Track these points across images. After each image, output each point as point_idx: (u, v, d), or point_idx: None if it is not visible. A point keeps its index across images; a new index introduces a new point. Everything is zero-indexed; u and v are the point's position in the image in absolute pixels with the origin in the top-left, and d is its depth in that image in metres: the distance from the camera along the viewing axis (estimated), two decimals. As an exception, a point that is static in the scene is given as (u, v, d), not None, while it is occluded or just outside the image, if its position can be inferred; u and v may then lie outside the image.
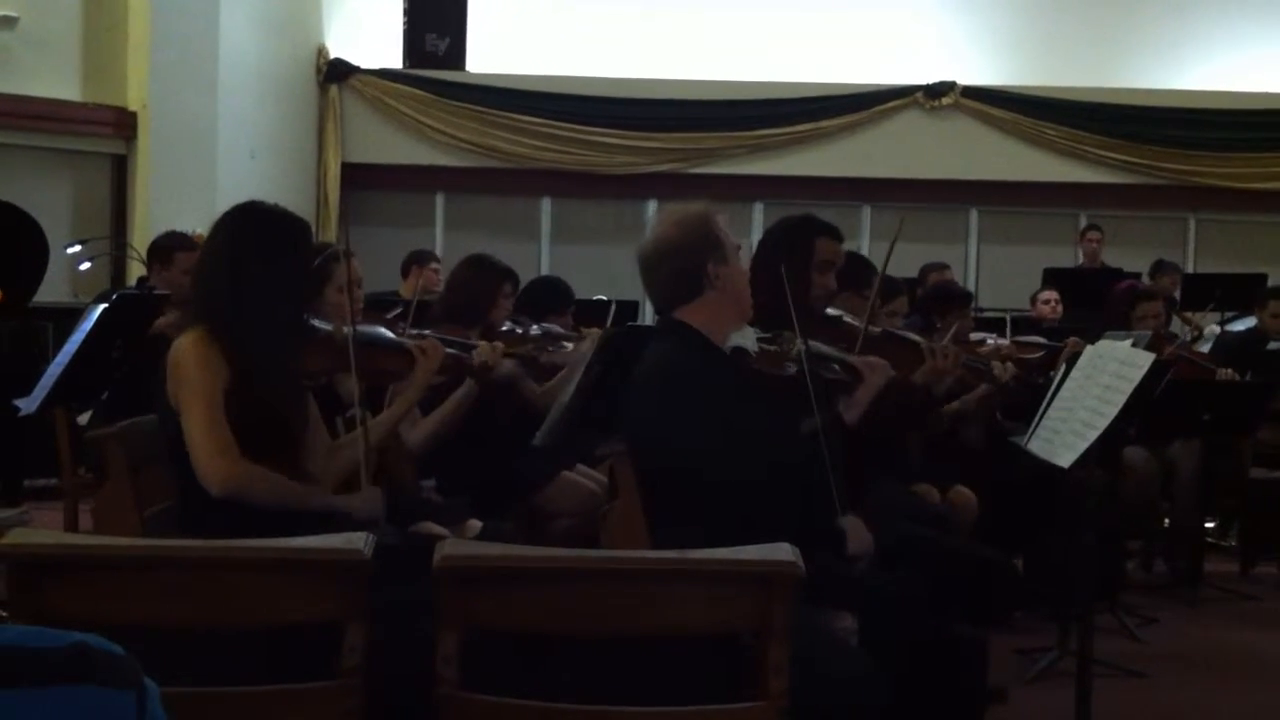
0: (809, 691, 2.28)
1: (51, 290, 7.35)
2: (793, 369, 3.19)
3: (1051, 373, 4.49)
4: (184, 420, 2.93)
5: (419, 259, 7.88)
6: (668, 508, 2.93)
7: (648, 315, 9.39)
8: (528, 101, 10.76)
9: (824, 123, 10.98)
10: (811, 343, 3.26)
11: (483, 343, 4.07)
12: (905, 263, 9.06)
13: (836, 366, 3.37)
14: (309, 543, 2.34)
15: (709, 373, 2.99)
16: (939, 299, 5.59)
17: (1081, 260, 10.11)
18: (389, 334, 3.67)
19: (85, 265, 7.46)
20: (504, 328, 4.80)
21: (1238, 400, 5.67)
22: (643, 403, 3.05)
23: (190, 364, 2.94)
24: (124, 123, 8.95)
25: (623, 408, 3.14)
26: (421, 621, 2.30)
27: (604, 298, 7.93)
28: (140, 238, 8.10)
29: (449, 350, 3.69)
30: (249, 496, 2.92)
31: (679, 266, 3.02)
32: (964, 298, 5.72)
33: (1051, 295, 8.29)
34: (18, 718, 1.23)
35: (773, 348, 3.22)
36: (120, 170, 9.09)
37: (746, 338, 3.14)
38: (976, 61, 11.17)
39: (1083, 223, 10.54)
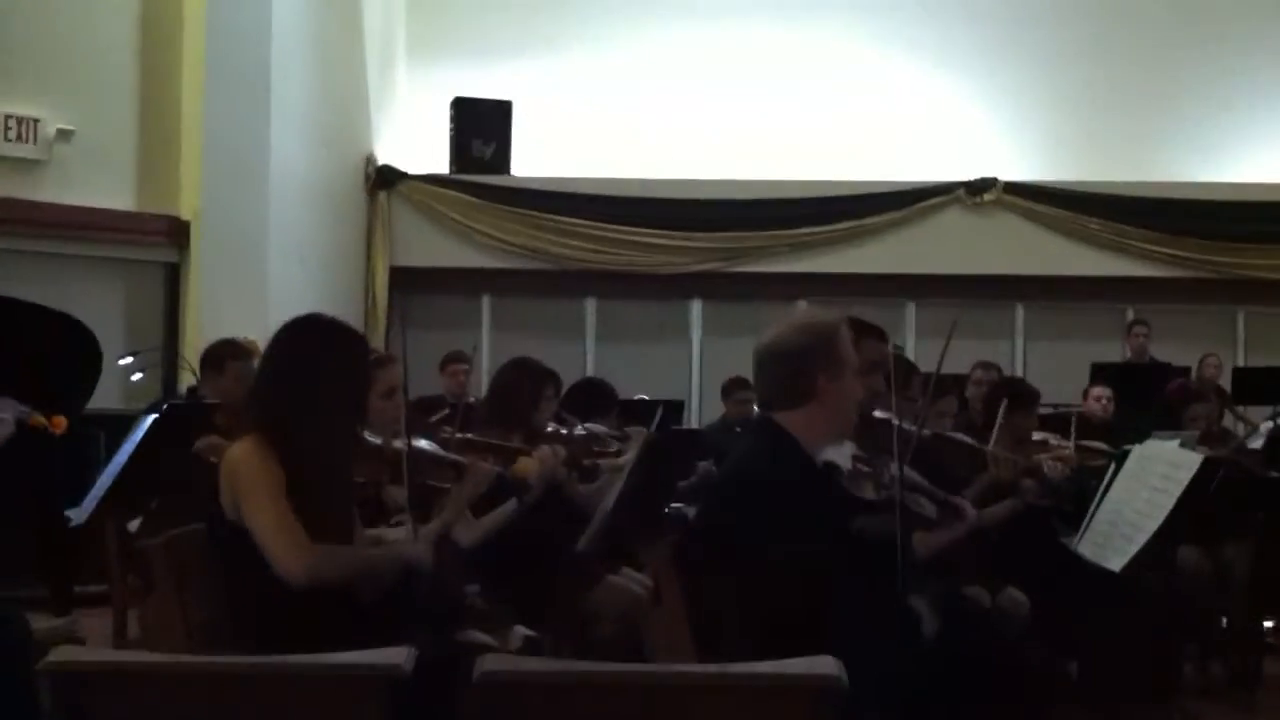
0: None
1: (103, 398, 7.44)
2: (883, 494, 3.14)
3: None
4: (252, 521, 2.96)
5: (445, 360, 7.99)
6: (721, 616, 2.89)
7: (694, 415, 9.42)
8: (571, 203, 10.90)
9: (866, 220, 11.03)
10: (908, 471, 3.22)
11: (526, 459, 4.09)
12: (951, 359, 9.05)
13: (924, 500, 3.31)
14: (350, 658, 2.34)
15: (796, 483, 2.94)
16: (1008, 396, 5.41)
17: (1129, 355, 10.04)
18: (436, 448, 3.70)
19: (138, 376, 7.56)
20: (549, 429, 4.82)
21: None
22: (717, 498, 3.02)
23: (251, 467, 2.98)
24: (177, 231, 9.12)
25: (698, 498, 3.12)
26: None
27: (646, 397, 7.96)
28: (192, 343, 8.21)
29: (496, 469, 3.72)
30: (328, 578, 2.96)
31: (792, 371, 3.00)
32: (1030, 397, 5.54)
33: (1104, 392, 8.19)
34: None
35: (867, 469, 3.18)
36: (173, 278, 9.25)
37: (843, 455, 3.11)
38: (1018, 157, 11.23)
39: (1129, 317, 10.48)
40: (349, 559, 3.04)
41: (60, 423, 5.37)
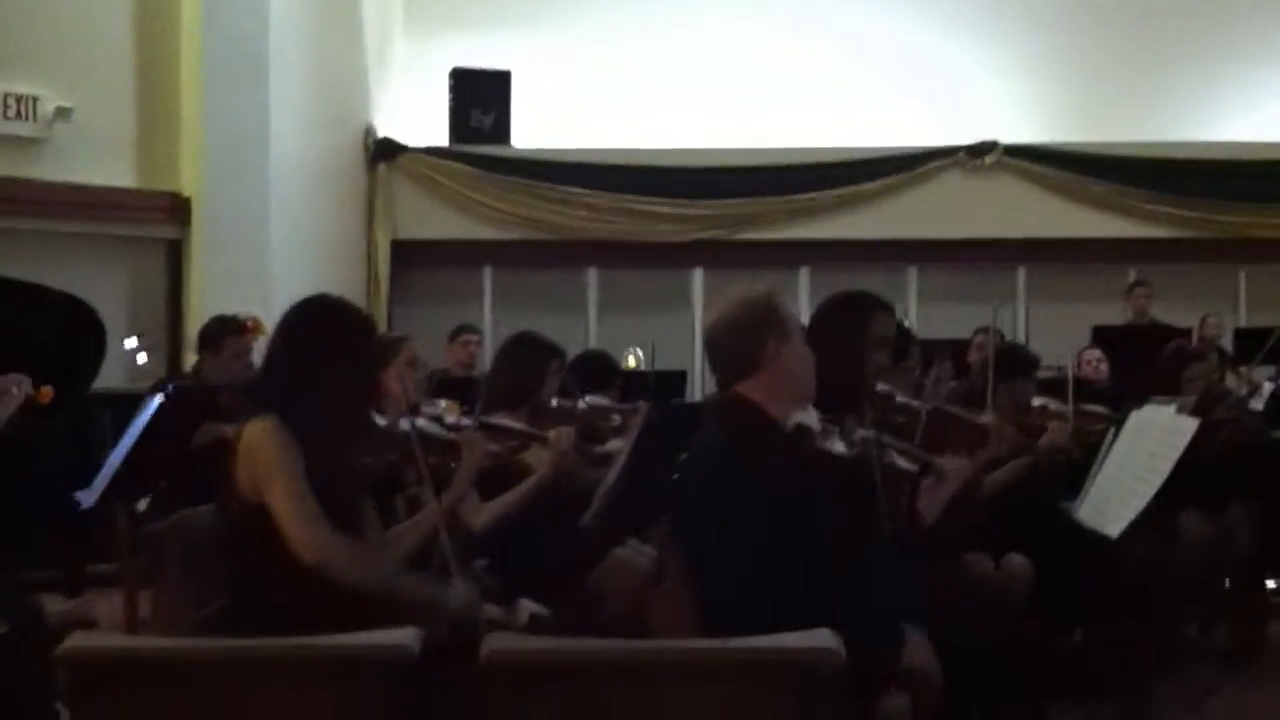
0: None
1: (107, 377, 7.48)
2: (855, 450, 3.18)
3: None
4: (271, 498, 2.99)
5: (456, 331, 8.02)
6: (719, 594, 2.92)
7: (697, 385, 9.44)
8: (572, 174, 10.88)
9: (867, 186, 11.02)
10: (877, 434, 3.25)
11: (538, 449, 4.12)
12: (954, 324, 9.07)
13: (899, 457, 3.34)
14: (359, 639, 2.38)
15: (769, 453, 2.98)
16: (1006, 362, 5.40)
17: (1130, 317, 10.05)
18: (438, 429, 3.73)
19: (143, 359, 7.58)
20: (552, 404, 4.85)
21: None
22: (696, 484, 3.05)
23: (269, 446, 3.01)
24: (178, 208, 9.14)
25: (673, 489, 3.16)
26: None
27: (636, 365, 7.94)
28: (195, 320, 8.23)
29: (491, 448, 3.74)
30: (339, 570, 2.98)
31: (741, 342, 3.05)
32: (1028, 364, 5.55)
33: (1094, 354, 8.22)
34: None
35: (835, 428, 3.23)
36: (175, 255, 9.27)
37: (810, 418, 3.15)
38: (1019, 119, 11.19)
39: (1131, 278, 10.48)
40: (372, 566, 3.05)
41: (46, 393, 5.40)
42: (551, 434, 4.10)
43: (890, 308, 3.91)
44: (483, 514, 4.21)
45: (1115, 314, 10.21)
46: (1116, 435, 4.13)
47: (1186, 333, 8.57)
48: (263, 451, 3.01)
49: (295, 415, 3.05)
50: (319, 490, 3.03)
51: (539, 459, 4.22)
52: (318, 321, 3.19)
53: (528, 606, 4.04)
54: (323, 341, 3.14)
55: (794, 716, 2.25)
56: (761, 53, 11.14)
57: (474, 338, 7.96)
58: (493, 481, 4.10)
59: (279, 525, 2.98)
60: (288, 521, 2.97)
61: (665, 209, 10.98)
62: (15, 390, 4.77)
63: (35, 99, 8.54)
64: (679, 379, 8.19)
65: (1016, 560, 4.74)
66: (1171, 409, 4.16)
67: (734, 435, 3.03)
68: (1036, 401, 5.22)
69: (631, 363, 8.44)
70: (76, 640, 2.28)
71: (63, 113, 8.64)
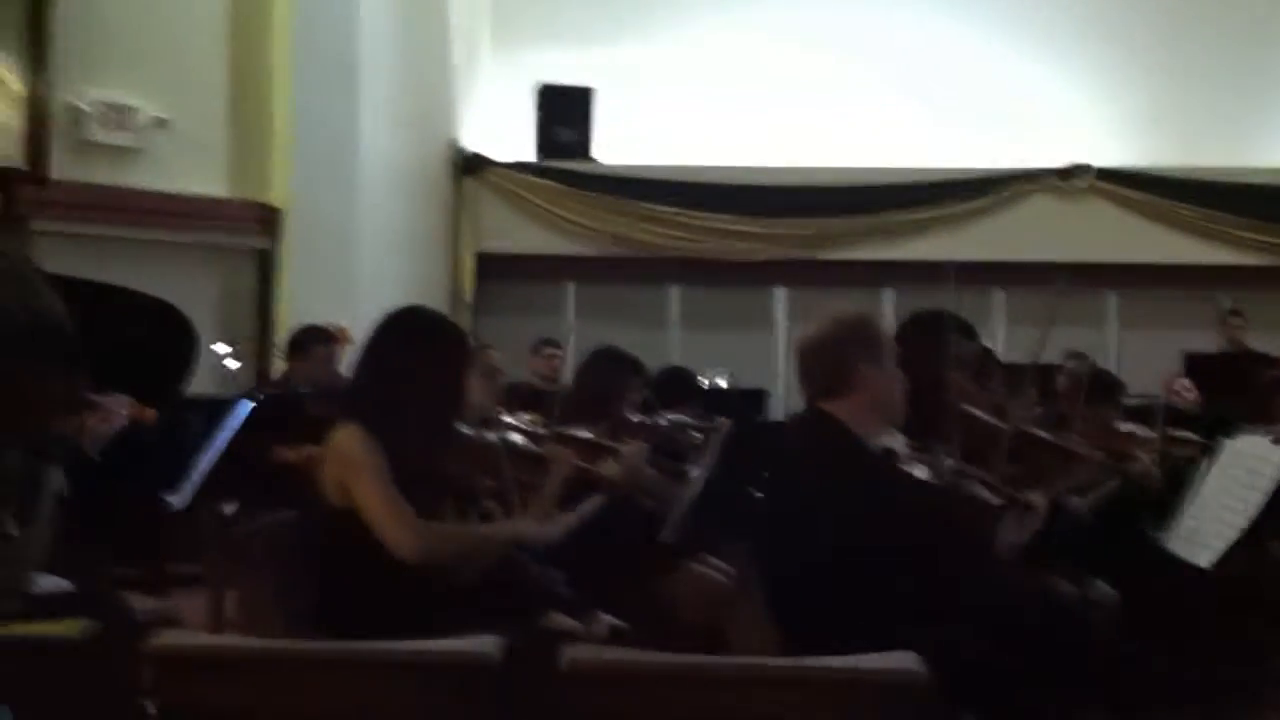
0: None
1: (198, 383, 7.61)
2: (944, 479, 3.14)
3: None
4: (362, 500, 3.03)
5: (539, 344, 8.08)
6: (798, 611, 2.91)
7: (778, 404, 9.40)
8: (656, 190, 10.91)
9: (954, 207, 10.93)
10: (963, 464, 3.21)
11: (614, 462, 4.11)
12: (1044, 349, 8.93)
13: (983, 489, 3.29)
14: (442, 645, 2.40)
15: (858, 471, 2.96)
16: (1093, 387, 5.35)
17: (1224, 345, 9.85)
18: (526, 441, 3.75)
19: (235, 365, 7.71)
20: (632, 419, 4.85)
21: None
22: (777, 502, 3.03)
23: (358, 451, 3.05)
24: (268, 219, 9.28)
25: (756, 504, 3.14)
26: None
27: (721, 383, 7.92)
28: (284, 329, 8.35)
29: (579, 464, 3.75)
30: (440, 554, 3.03)
31: (832, 360, 3.03)
32: (1113, 387, 5.47)
33: (1184, 382, 8.08)
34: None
35: (923, 454, 3.19)
36: (264, 264, 9.41)
37: (897, 443, 3.13)
38: (1108, 140, 11.05)
39: (1226, 306, 10.28)
40: (463, 536, 3.13)
41: (150, 415, 5.53)
42: (624, 447, 4.10)
43: (971, 328, 3.87)
44: (553, 526, 4.20)
45: (1208, 341, 10.03)
46: (1210, 464, 4.04)
47: (1281, 362, 8.40)
48: (351, 455, 3.05)
49: (382, 423, 3.08)
50: (404, 495, 3.06)
51: (614, 472, 4.21)
52: (409, 331, 3.22)
53: (605, 619, 4.04)
54: (414, 351, 3.17)
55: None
56: (849, 71, 11.10)
57: (557, 351, 8.00)
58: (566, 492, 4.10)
59: (370, 526, 3.01)
60: (380, 521, 3.00)
61: (748, 227, 10.96)
62: (123, 412, 4.88)
63: (133, 109, 8.72)
64: (759, 398, 8.17)
65: (1101, 587, 4.68)
66: (1267, 439, 4.07)
67: (821, 453, 3.01)
68: (1124, 427, 5.14)
69: (721, 383, 8.44)
70: (165, 638, 2.31)
71: (159, 123, 8.82)
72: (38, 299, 1.53)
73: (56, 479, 1.66)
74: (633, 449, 4.08)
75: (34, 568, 1.68)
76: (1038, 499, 3.33)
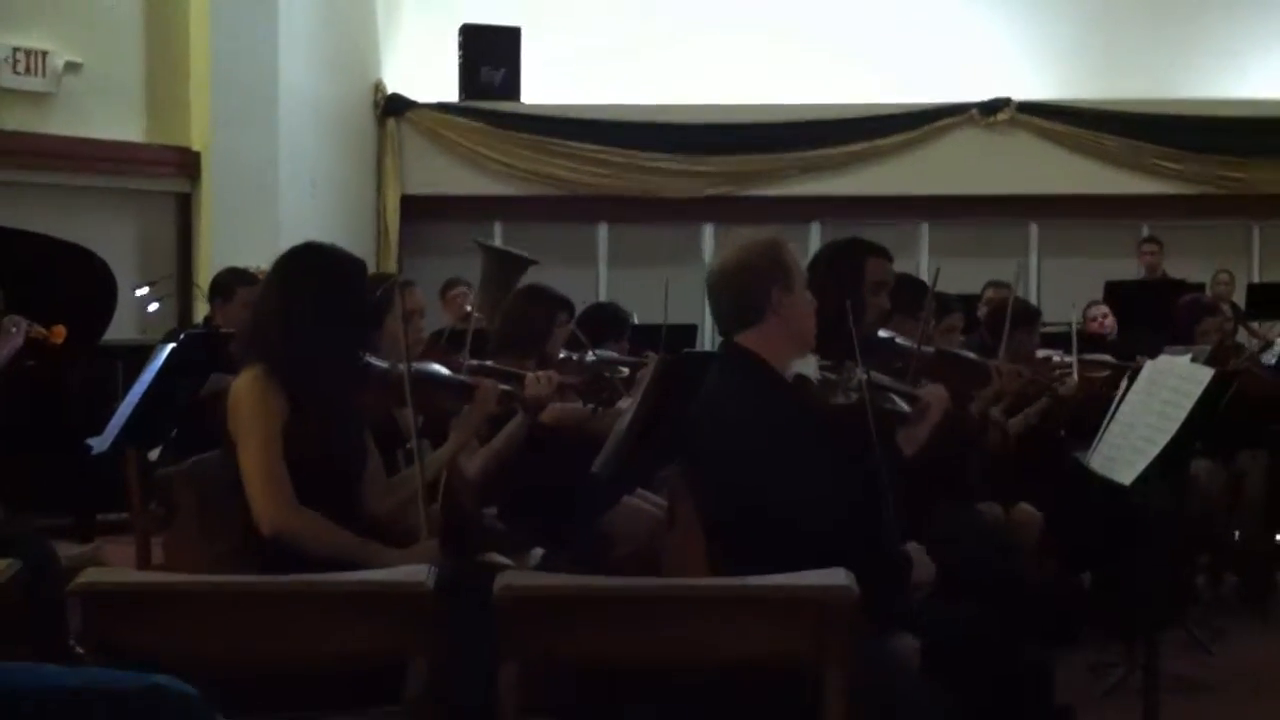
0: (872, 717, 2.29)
1: (120, 329, 7.50)
2: (854, 398, 3.17)
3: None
4: (240, 458, 2.99)
5: (445, 287, 8.04)
6: (729, 540, 2.92)
7: (706, 338, 9.42)
8: (582, 129, 10.85)
9: (879, 142, 10.97)
10: (873, 374, 3.24)
11: (532, 375, 4.10)
12: (967, 279, 9.03)
13: (896, 397, 3.34)
14: (372, 576, 2.39)
15: (771, 405, 2.97)
16: (1009, 314, 5.44)
17: (1142, 273, 10.01)
18: (445, 371, 3.71)
19: (154, 306, 7.60)
20: (560, 356, 4.84)
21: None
22: (703, 435, 3.04)
23: (248, 402, 3.00)
24: (187, 162, 9.13)
25: (683, 438, 3.14)
26: (483, 651, 2.33)
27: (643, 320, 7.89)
28: (206, 274, 8.24)
29: (503, 388, 3.72)
30: (299, 544, 2.95)
31: (744, 290, 3.01)
32: (1031, 315, 5.56)
33: (1100, 309, 8.22)
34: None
35: (834, 377, 3.21)
36: (185, 208, 9.27)
37: (809, 366, 3.13)
38: (1031, 75, 11.12)
39: (1145, 234, 10.44)
40: (332, 540, 2.98)
41: (60, 332, 5.42)
42: (529, 375, 4.06)
43: (886, 252, 3.89)
44: (473, 460, 4.18)
45: (1128, 270, 10.18)
46: (1130, 385, 4.11)
47: (1199, 288, 8.55)
48: (243, 406, 3.00)
49: (285, 362, 3.03)
50: (313, 432, 3.01)
51: (536, 392, 4.13)
52: (306, 267, 3.17)
53: (538, 554, 4.04)
54: (312, 285, 3.12)
55: (808, 653, 2.25)
56: (773, 8, 11.06)
57: (464, 289, 7.96)
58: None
59: (245, 487, 2.97)
60: (251, 487, 2.95)
61: (675, 164, 10.94)
62: (14, 330, 4.79)
63: (45, 53, 8.52)
64: (689, 332, 8.18)
65: (1025, 508, 4.76)
66: (1187, 358, 4.14)
67: (738, 387, 3.01)
68: (1041, 353, 5.24)
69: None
70: (89, 576, 2.28)
71: (72, 67, 8.63)
72: None
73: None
74: (541, 378, 4.04)
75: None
76: (932, 392, 3.35)
